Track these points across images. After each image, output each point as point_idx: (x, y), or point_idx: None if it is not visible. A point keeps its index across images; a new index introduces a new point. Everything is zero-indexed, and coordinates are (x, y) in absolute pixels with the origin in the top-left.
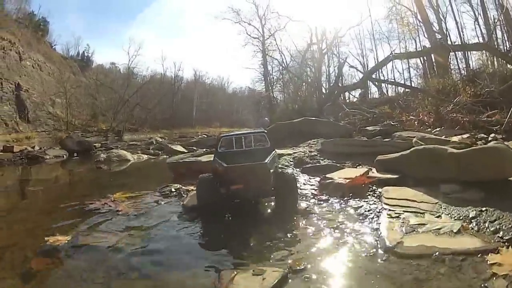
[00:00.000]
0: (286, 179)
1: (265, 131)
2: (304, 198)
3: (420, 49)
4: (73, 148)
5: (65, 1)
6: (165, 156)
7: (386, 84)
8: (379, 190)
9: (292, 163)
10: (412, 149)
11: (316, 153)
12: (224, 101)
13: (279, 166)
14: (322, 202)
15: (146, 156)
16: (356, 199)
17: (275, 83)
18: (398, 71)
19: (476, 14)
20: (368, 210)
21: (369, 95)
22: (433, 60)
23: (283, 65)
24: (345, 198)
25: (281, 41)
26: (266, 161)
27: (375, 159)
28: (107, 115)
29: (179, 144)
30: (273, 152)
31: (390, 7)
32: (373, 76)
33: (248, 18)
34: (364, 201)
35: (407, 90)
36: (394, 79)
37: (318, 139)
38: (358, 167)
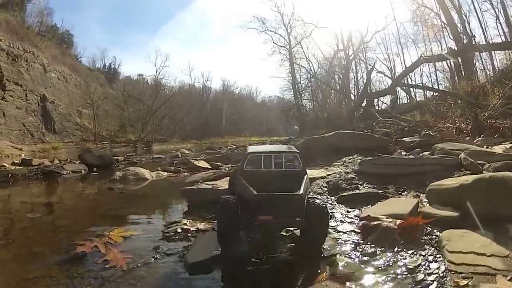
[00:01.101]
0: (321, 217)
1: (298, 151)
2: (343, 248)
3: (447, 51)
4: (93, 162)
5: (88, 15)
6: (186, 173)
7: (415, 89)
8: (437, 232)
9: (326, 189)
10: (475, 178)
11: (353, 175)
12: (253, 110)
13: (310, 192)
14: (367, 258)
15: (166, 173)
16: (410, 251)
17: (303, 91)
18: (426, 75)
19: (497, 12)
20: (429, 273)
21: (399, 100)
22: (460, 62)
23: (311, 73)
24: (396, 249)
25: (307, 49)
26: (301, 191)
27: (427, 188)
28: (135, 126)
29: (203, 159)
30: (306, 176)
31: (414, 10)
32: (403, 80)
33: (274, 27)
34: (421, 255)
35: (436, 94)
36: (422, 83)
37: (353, 155)
38: (403, 193)
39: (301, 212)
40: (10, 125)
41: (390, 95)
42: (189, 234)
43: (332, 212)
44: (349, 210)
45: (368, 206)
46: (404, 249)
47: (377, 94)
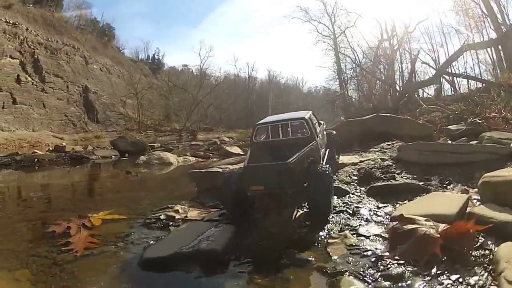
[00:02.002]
0: (320, 184)
1: (305, 117)
2: (359, 262)
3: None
4: (126, 148)
5: (128, 8)
6: (215, 159)
7: (459, 81)
8: (491, 245)
9: (355, 178)
10: None
11: (390, 163)
12: (300, 100)
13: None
14: (388, 283)
15: (194, 158)
16: (453, 276)
17: (349, 81)
18: (470, 66)
19: None
20: None
21: (443, 92)
22: (502, 53)
23: (356, 62)
24: (435, 271)
25: (352, 38)
26: (290, 160)
27: (480, 181)
28: (180, 115)
29: (238, 145)
30: (312, 143)
31: None
32: (447, 69)
33: (318, 16)
34: (469, 284)
35: (479, 87)
36: (466, 73)
37: (393, 141)
38: (448, 186)
39: (293, 181)
40: (51, 116)
41: (435, 85)
42: (171, 223)
43: (357, 208)
44: (380, 205)
45: (404, 202)
46: (446, 272)
47: (422, 84)
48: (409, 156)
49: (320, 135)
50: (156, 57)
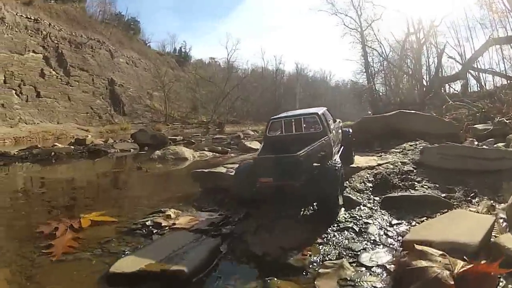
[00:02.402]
0: (327, 179)
1: (318, 112)
2: None
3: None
4: (145, 141)
5: (154, 2)
6: (232, 154)
7: (485, 77)
8: None
9: (370, 185)
10: None
11: (411, 167)
12: (327, 94)
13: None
14: None
15: (211, 153)
16: None
17: (376, 75)
18: (495, 62)
19: None
20: None
21: (469, 88)
22: None
23: (383, 56)
24: None
25: (378, 31)
26: (299, 152)
27: (509, 202)
28: (207, 107)
29: (258, 139)
30: (323, 138)
31: None
32: (473, 65)
33: (344, 9)
34: None
35: (504, 83)
36: (492, 69)
37: (417, 141)
38: (473, 200)
39: (301, 174)
40: (76, 108)
41: (461, 81)
42: (155, 231)
43: (366, 224)
44: (393, 222)
45: (422, 219)
46: None
47: (448, 79)
48: (432, 161)
49: (333, 132)
50: (183, 50)
